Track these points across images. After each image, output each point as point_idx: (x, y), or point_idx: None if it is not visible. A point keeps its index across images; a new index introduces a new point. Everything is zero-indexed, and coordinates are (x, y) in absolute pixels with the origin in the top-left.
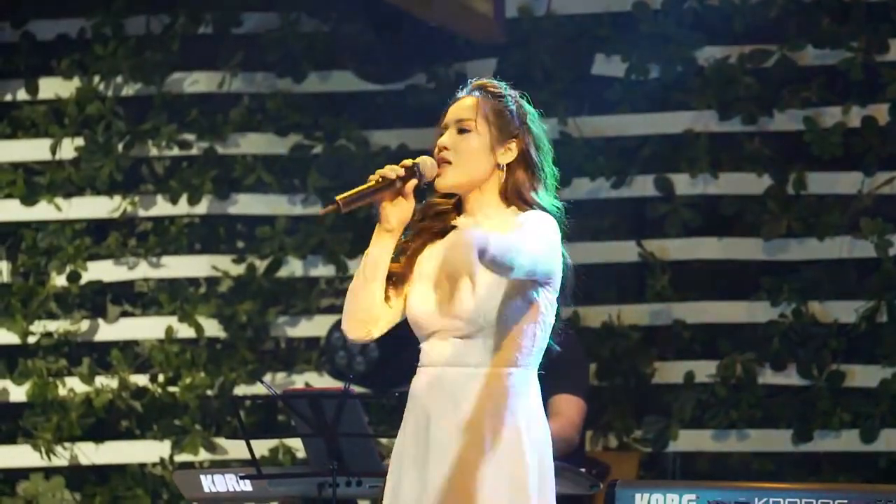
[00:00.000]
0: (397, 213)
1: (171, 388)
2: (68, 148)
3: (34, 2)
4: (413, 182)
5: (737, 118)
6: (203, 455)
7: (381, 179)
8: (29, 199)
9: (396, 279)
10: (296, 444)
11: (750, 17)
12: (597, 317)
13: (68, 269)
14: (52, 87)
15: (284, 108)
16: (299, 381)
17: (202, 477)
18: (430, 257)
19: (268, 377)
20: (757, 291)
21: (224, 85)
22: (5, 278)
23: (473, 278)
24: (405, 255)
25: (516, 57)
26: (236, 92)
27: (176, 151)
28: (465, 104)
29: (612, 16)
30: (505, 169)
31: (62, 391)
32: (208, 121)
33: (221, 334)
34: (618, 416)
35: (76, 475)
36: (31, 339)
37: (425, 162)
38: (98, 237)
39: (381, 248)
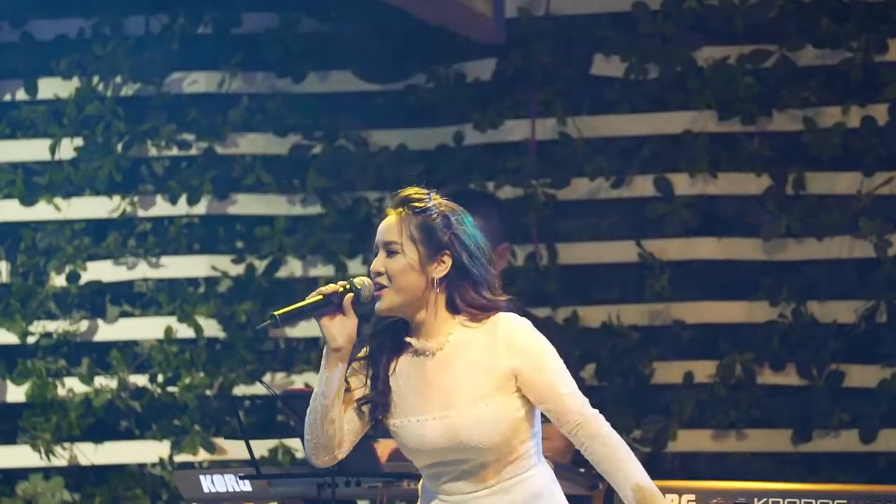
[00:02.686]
0: (341, 330)
1: (171, 389)
2: (67, 148)
3: (33, 1)
4: (350, 296)
5: (736, 118)
6: (202, 455)
7: (320, 297)
8: (28, 200)
9: (376, 406)
10: (295, 444)
11: (749, 17)
12: (596, 317)
13: (67, 269)
14: (52, 87)
15: (284, 108)
16: (299, 381)
17: (201, 477)
18: (406, 378)
19: (267, 377)
20: (756, 291)
21: (223, 85)
22: (4, 278)
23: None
24: (379, 380)
25: (515, 57)
26: (235, 92)
27: (175, 151)
28: (390, 224)
29: (611, 16)
30: (443, 283)
31: (61, 391)
32: (207, 121)
33: (221, 334)
34: (617, 415)
35: (75, 475)
36: (31, 340)
37: (363, 281)
38: (97, 237)
39: (332, 372)
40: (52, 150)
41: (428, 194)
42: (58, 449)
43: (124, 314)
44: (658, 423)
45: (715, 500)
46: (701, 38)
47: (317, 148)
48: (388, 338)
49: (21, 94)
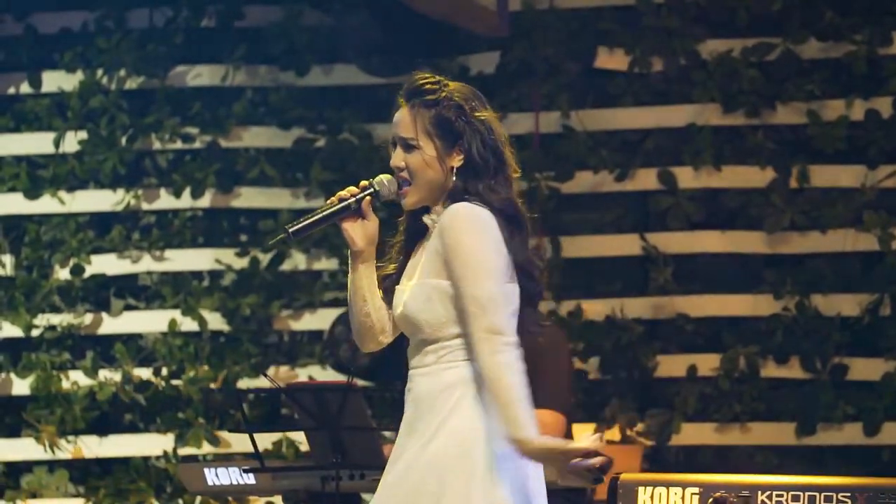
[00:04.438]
0: (361, 233)
1: (175, 382)
2: (72, 141)
3: None
4: (368, 200)
5: (740, 111)
6: (206, 448)
7: (336, 202)
8: (32, 193)
9: (392, 281)
10: (299, 437)
11: (753, 10)
12: (600, 310)
13: (72, 262)
14: (56, 81)
15: (287, 101)
16: (303, 374)
17: (206, 470)
18: (416, 252)
19: (271, 370)
20: (760, 285)
21: (227, 78)
22: (9, 272)
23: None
24: (402, 260)
25: (519, 50)
26: (239, 85)
27: (179, 145)
28: (404, 119)
29: (615, 9)
30: (457, 171)
31: (66, 384)
32: (211, 114)
33: (225, 328)
34: (621, 409)
35: (80, 468)
36: (35, 333)
37: (382, 181)
38: (101, 230)
39: (355, 273)
40: (57, 143)
41: (439, 82)
42: (62, 442)
43: (128, 307)
44: (662, 416)
45: (719, 493)
46: (705, 30)
47: (320, 141)
48: (417, 228)
49: (25, 88)
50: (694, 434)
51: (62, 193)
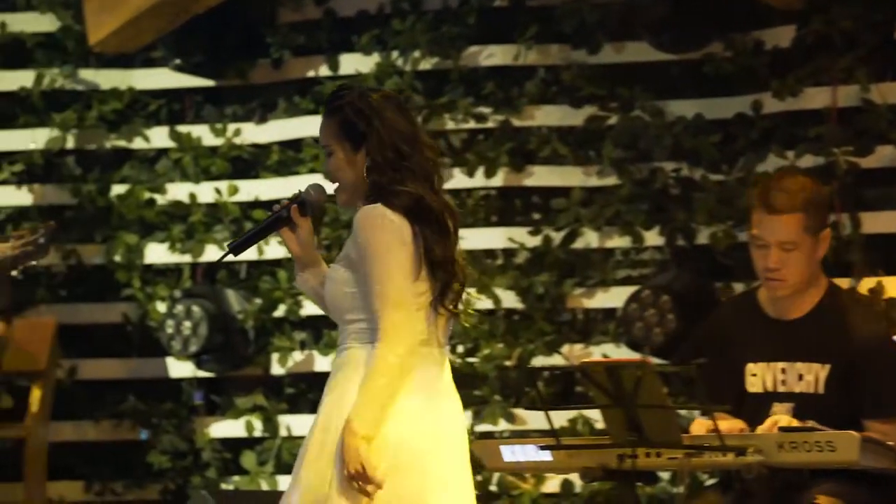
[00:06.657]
0: (293, 239)
1: (471, 359)
2: None
3: None
4: (296, 208)
5: None
6: (503, 425)
7: (269, 216)
8: None
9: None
10: (595, 415)
11: None
12: None
13: None
14: (353, 63)
15: (579, 79)
16: (597, 352)
17: (502, 447)
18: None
19: (565, 348)
20: None
21: (519, 57)
22: None
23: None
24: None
25: (816, 23)
26: (531, 64)
27: (472, 124)
28: (320, 127)
29: None
30: (368, 170)
31: None
32: (504, 93)
33: (519, 306)
34: None
35: None
36: None
37: (308, 189)
38: None
39: (300, 275)
40: None
41: (344, 90)
42: None
43: None
44: None
45: None
46: None
47: (612, 119)
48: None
49: (324, 70)
50: None
51: None
